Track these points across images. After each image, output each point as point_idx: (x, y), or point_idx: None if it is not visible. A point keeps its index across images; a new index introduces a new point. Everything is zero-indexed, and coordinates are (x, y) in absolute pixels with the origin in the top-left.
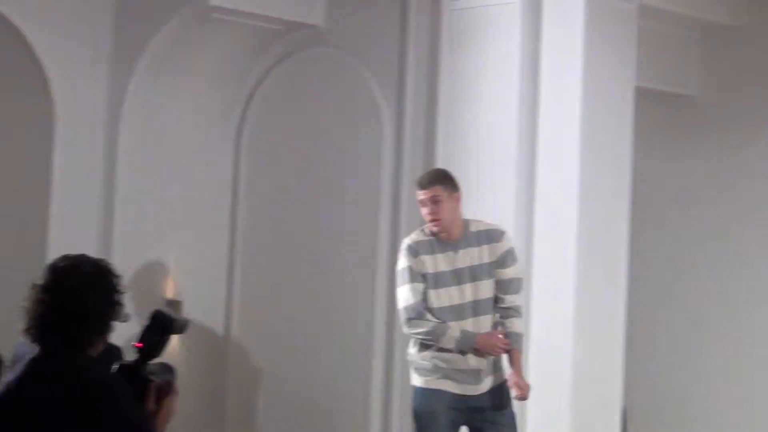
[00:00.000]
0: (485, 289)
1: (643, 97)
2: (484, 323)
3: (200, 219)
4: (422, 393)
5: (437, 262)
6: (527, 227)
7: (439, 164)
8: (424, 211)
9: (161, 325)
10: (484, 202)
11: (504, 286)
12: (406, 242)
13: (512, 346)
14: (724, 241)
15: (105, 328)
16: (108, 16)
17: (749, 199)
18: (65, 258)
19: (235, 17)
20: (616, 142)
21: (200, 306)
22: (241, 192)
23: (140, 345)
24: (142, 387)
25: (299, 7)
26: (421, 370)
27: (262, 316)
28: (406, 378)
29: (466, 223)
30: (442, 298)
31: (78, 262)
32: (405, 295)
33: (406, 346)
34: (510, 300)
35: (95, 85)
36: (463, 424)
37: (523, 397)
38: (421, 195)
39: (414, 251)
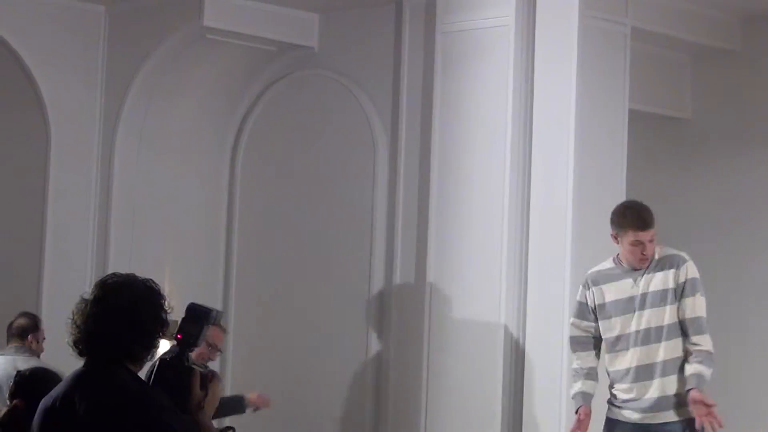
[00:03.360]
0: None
1: (637, 119)
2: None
3: (196, 240)
4: None
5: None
6: (521, 256)
7: (434, 190)
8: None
9: (196, 316)
10: (479, 229)
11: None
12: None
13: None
14: (722, 267)
15: (151, 344)
16: (101, 37)
17: (747, 224)
18: (115, 275)
19: (230, 38)
20: (610, 165)
21: None
22: (236, 212)
23: (180, 336)
24: (188, 374)
25: (293, 28)
26: None
27: (256, 337)
28: (399, 399)
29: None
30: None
31: (129, 280)
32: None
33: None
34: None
35: (89, 109)
36: None
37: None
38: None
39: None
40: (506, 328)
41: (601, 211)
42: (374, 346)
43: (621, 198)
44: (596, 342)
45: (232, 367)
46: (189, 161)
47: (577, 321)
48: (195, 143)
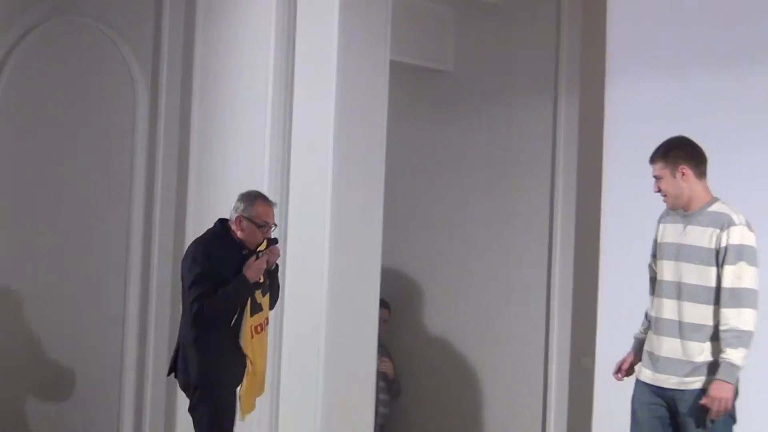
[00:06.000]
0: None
1: (399, 71)
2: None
3: None
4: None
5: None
6: (281, 202)
7: (194, 136)
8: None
9: None
10: (239, 175)
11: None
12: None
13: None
14: (488, 213)
15: None
16: None
17: (508, 174)
18: None
19: None
20: (371, 116)
21: None
22: None
23: None
24: None
25: None
26: None
27: (13, 289)
28: (158, 362)
29: (711, 200)
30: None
31: None
32: None
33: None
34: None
35: None
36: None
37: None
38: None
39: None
40: None
41: (361, 162)
42: (133, 306)
43: (382, 150)
44: None
45: None
46: None
47: (651, 259)
48: None
